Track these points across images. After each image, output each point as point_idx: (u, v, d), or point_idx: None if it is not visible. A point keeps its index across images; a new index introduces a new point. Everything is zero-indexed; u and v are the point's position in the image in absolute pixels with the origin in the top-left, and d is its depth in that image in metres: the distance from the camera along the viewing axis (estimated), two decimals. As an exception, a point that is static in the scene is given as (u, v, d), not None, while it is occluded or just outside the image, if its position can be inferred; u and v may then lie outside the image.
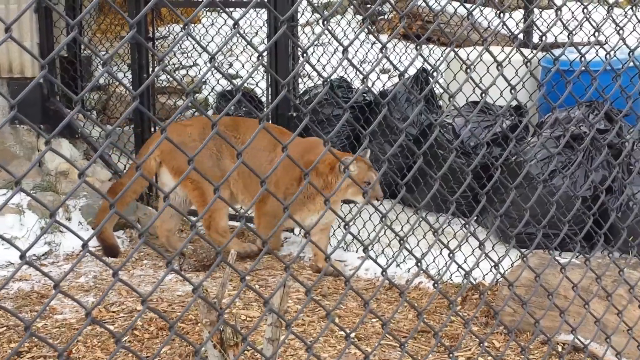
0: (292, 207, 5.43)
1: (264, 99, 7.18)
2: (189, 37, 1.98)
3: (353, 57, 6.67)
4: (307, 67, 7.63)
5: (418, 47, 2.25)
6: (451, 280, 5.31)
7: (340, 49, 2.27)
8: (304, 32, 7.38)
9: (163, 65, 1.62)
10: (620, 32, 3.14)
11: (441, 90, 7.02)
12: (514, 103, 6.12)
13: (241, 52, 8.12)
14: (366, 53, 6.90)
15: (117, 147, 6.53)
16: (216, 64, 1.86)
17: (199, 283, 2.04)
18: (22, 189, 1.61)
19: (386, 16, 9.36)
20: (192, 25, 8.26)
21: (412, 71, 6.89)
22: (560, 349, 4.42)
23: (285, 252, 6.05)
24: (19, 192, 1.55)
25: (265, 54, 6.00)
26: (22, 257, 1.63)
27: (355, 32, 7.16)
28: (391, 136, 6.39)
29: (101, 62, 1.66)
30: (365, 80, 2.20)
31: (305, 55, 1.95)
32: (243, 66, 7.65)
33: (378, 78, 7.12)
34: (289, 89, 5.85)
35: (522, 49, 6.61)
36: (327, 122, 6.63)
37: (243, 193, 5.87)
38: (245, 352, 4.25)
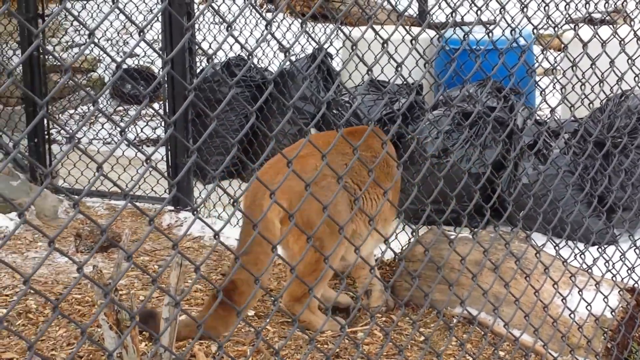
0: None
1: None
2: (70, 13, 1.94)
3: (250, 36, 6.64)
4: (205, 46, 7.55)
5: (303, 25, 2.26)
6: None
7: (238, 27, 2.27)
8: (198, 8, 7.30)
9: (38, 41, 1.59)
10: (525, 10, 3.23)
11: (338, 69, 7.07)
12: (411, 81, 6.21)
13: (135, 30, 7.99)
14: (263, 31, 6.87)
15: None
16: (108, 42, 1.83)
17: (83, 262, 2.01)
18: None
19: (285, -6, 9.32)
20: (84, 1, 8.06)
21: (310, 50, 6.91)
22: (455, 321, 4.53)
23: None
24: None
25: (160, 31, 5.92)
26: None
27: (252, 11, 7.12)
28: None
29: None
30: (250, 56, 2.20)
31: (187, 32, 1.94)
32: (138, 44, 7.51)
33: (275, 56, 7.11)
34: (176, 66, 5.75)
35: (414, 28, 6.71)
36: (226, 101, 6.58)
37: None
38: (145, 333, 4.22)
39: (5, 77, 7.80)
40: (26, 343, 1.89)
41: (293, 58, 7.09)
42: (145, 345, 4.13)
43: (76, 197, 1.98)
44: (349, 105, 6.17)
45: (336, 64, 7.60)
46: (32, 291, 2.56)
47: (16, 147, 1.71)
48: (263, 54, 7.31)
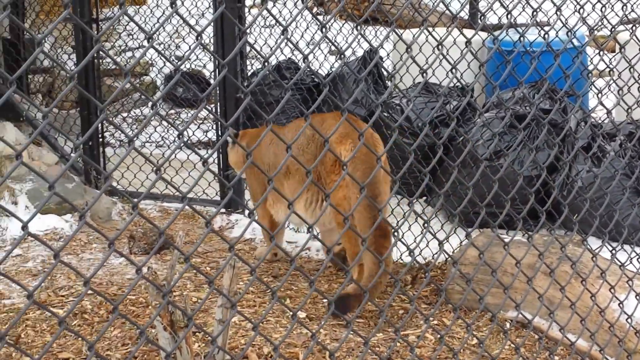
0: None
1: (212, 81, 7.14)
2: (127, 17, 1.97)
3: (301, 39, 6.65)
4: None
5: (358, 27, 2.26)
6: (401, 259, 5.36)
7: (290, 31, 2.27)
8: (250, 13, 7.35)
9: (99, 45, 1.62)
10: (581, 11, 3.19)
11: (390, 71, 7.05)
12: (461, 83, 6.18)
13: (187, 34, 8.05)
14: (313, 34, 6.90)
15: (56, 129, 6.42)
16: (160, 46, 1.85)
17: (141, 264, 2.03)
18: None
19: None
20: (136, 6, 8.17)
21: (360, 53, 6.90)
22: (508, 325, 4.49)
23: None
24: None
25: (211, 35, 5.97)
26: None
27: (303, 14, 7.14)
28: (340, 117, 6.40)
29: (36, 42, 1.65)
30: (305, 60, 2.21)
31: (244, 35, 1.95)
32: (190, 48, 7.61)
33: (325, 59, 7.12)
34: (228, 69, 5.79)
35: (465, 30, 6.67)
36: (276, 104, 6.62)
37: None
38: (197, 334, 4.25)
39: (59, 80, 7.94)
40: (86, 343, 1.91)
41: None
42: (199, 346, 4.16)
43: (135, 199, 2.01)
44: (399, 107, 6.15)
45: (386, 66, 7.58)
46: (90, 292, 2.59)
47: (76, 150, 1.74)
48: (314, 57, 7.33)
